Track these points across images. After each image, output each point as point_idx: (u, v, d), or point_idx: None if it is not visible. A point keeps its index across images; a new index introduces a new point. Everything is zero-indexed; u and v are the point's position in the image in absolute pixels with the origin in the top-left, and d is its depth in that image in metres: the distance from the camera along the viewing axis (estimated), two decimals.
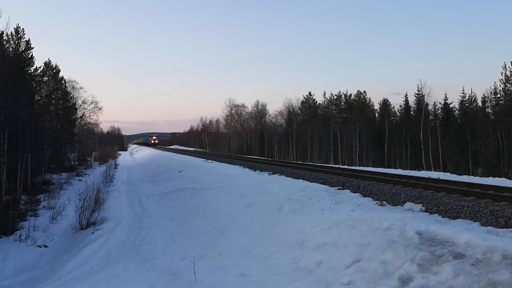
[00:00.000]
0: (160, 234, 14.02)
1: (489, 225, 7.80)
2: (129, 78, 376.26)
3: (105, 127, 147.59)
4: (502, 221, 7.85)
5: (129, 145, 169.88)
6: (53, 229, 16.28)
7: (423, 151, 52.05)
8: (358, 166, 43.96)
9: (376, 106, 74.99)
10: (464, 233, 6.53)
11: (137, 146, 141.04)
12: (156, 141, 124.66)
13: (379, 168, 23.18)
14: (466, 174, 24.31)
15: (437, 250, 6.14)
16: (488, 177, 17.06)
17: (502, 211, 8.18)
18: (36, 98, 32.23)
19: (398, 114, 70.63)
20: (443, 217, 8.91)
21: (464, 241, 6.12)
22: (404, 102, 67.41)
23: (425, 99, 58.27)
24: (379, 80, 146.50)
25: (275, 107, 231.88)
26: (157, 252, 11.64)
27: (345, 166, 25.09)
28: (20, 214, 18.01)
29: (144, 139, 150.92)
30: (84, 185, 25.31)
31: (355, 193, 12.48)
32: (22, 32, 29.02)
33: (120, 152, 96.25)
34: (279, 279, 7.27)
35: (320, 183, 14.83)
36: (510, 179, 15.86)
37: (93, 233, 14.92)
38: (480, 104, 57.26)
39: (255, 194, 14.66)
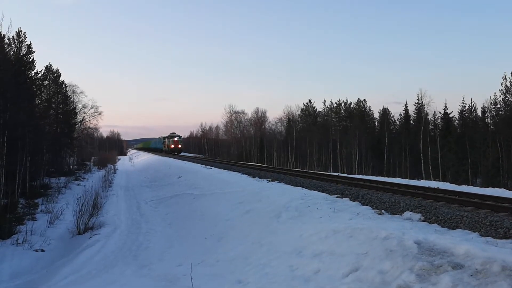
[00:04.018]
0: (158, 239, 13.97)
1: (488, 236, 7.77)
2: (130, 83, 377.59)
3: (104, 131, 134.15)
4: (501, 232, 7.82)
5: (129, 150, 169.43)
6: (50, 233, 16.19)
7: (422, 161, 52.06)
8: (357, 174, 43.93)
9: (376, 115, 75.33)
10: (463, 243, 6.50)
11: (137, 151, 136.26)
12: (180, 146, 70.13)
13: (378, 177, 23.14)
14: (465, 184, 24.27)
15: (435, 260, 6.11)
16: (487, 187, 17.01)
17: (501, 222, 8.15)
18: (36, 102, 32.26)
19: (398, 123, 70.88)
20: (442, 226, 8.88)
21: (463, 252, 6.09)
22: (404, 111, 67.74)
23: (425, 109, 58.49)
24: (379, 88, 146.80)
25: (275, 114, 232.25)
26: (154, 258, 11.58)
27: (344, 174, 25.05)
28: (17, 217, 17.93)
29: (152, 143, 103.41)
30: (82, 189, 25.25)
31: (354, 201, 12.44)
32: (23, 36, 29.14)
33: (119, 157, 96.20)
34: (276, 287, 7.23)
35: (319, 191, 14.79)
36: (509, 189, 15.83)
37: (90, 238, 14.85)
38: (480, 114, 57.54)
39: (253, 201, 14.61)
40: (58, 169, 36.82)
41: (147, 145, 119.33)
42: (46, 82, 39.30)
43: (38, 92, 33.75)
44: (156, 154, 77.77)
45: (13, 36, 28.28)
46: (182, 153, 71.56)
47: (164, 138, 76.14)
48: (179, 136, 72.15)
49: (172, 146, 68.43)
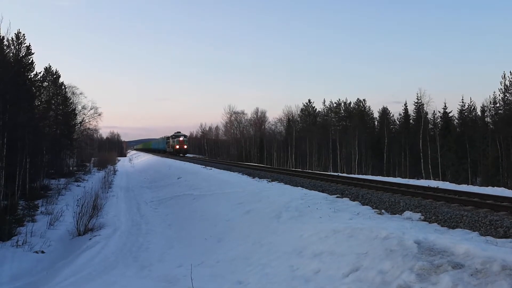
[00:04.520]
0: (158, 240, 13.96)
1: (488, 235, 7.77)
2: (129, 84, 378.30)
3: (104, 132, 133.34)
4: (501, 231, 7.82)
5: (128, 151, 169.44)
6: (50, 235, 16.18)
7: (422, 160, 52.08)
8: (357, 174, 43.94)
9: (376, 114, 75.39)
10: (463, 242, 6.50)
11: (137, 152, 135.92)
12: (185, 146, 63.84)
13: (378, 177, 23.14)
14: (465, 183, 24.29)
15: (435, 260, 6.11)
16: (487, 186, 17.02)
17: (501, 221, 8.16)
18: (36, 103, 32.26)
19: (398, 122, 70.94)
20: (442, 226, 8.88)
21: (463, 251, 6.09)
22: (404, 111, 67.78)
23: (425, 108, 58.54)
24: (378, 88, 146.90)
25: (274, 114, 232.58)
26: (154, 259, 11.58)
27: (344, 174, 25.06)
28: (17, 219, 17.91)
29: (153, 144, 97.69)
30: (82, 190, 25.22)
31: (354, 201, 12.44)
32: (22, 37, 29.12)
33: (119, 158, 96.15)
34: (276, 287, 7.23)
35: (319, 191, 14.79)
36: (509, 188, 15.84)
37: (90, 239, 14.83)
38: (479, 113, 57.55)
39: (253, 201, 14.61)
40: (58, 170, 36.81)
41: (147, 146, 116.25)
42: (45, 84, 39.30)
43: (38, 93, 33.74)
44: (156, 155, 77.30)
45: (12, 38, 28.27)
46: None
47: (167, 138, 69.43)
48: (185, 136, 64.92)
49: (177, 146, 61.83)
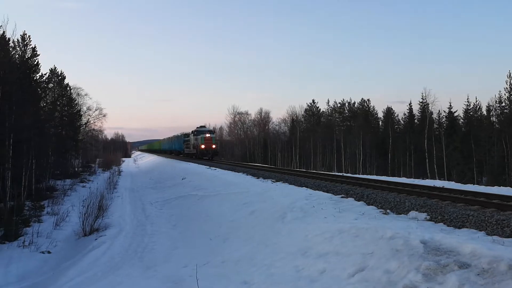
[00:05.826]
0: (163, 241, 13.98)
1: (494, 235, 7.73)
2: (134, 85, 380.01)
3: (109, 133, 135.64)
4: (508, 231, 7.78)
5: (133, 152, 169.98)
6: (56, 235, 16.28)
7: (427, 160, 51.88)
8: (361, 174, 43.82)
9: (380, 114, 75.38)
10: (469, 242, 6.47)
11: (141, 153, 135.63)
12: (214, 146, 42.06)
13: (383, 177, 23.07)
14: (470, 183, 24.19)
15: (442, 260, 6.09)
16: (493, 186, 16.92)
17: (507, 221, 8.11)
18: (41, 105, 32.47)
19: (402, 122, 70.74)
20: (448, 226, 8.84)
21: (470, 251, 6.06)
22: (408, 111, 67.68)
23: (430, 108, 58.35)
24: (383, 88, 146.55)
25: (278, 114, 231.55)
26: (159, 260, 11.61)
27: (349, 174, 24.98)
28: (24, 220, 18.03)
29: (164, 144, 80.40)
30: (87, 191, 25.33)
31: (359, 201, 12.40)
32: (28, 39, 29.35)
33: (123, 158, 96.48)
34: None
35: (323, 191, 14.76)
36: None
37: (96, 239, 14.90)
38: (484, 112, 57.32)
39: (258, 201, 14.61)
40: (63, 171, 36.99)
41: (155, 147, 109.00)
42: (51, 85, 39.58)
43: (43, 95, 33.98)
44: (160, 155, 76.49)
45: (18, 40, 28.50)
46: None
47: (186, 135, 51.08)
48: (211, 131, 45.41)
49: (203, 146, 41.88)
